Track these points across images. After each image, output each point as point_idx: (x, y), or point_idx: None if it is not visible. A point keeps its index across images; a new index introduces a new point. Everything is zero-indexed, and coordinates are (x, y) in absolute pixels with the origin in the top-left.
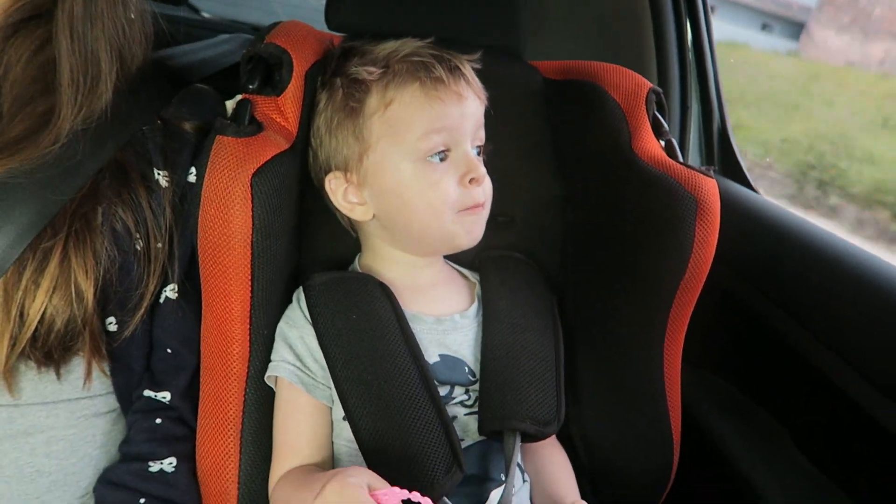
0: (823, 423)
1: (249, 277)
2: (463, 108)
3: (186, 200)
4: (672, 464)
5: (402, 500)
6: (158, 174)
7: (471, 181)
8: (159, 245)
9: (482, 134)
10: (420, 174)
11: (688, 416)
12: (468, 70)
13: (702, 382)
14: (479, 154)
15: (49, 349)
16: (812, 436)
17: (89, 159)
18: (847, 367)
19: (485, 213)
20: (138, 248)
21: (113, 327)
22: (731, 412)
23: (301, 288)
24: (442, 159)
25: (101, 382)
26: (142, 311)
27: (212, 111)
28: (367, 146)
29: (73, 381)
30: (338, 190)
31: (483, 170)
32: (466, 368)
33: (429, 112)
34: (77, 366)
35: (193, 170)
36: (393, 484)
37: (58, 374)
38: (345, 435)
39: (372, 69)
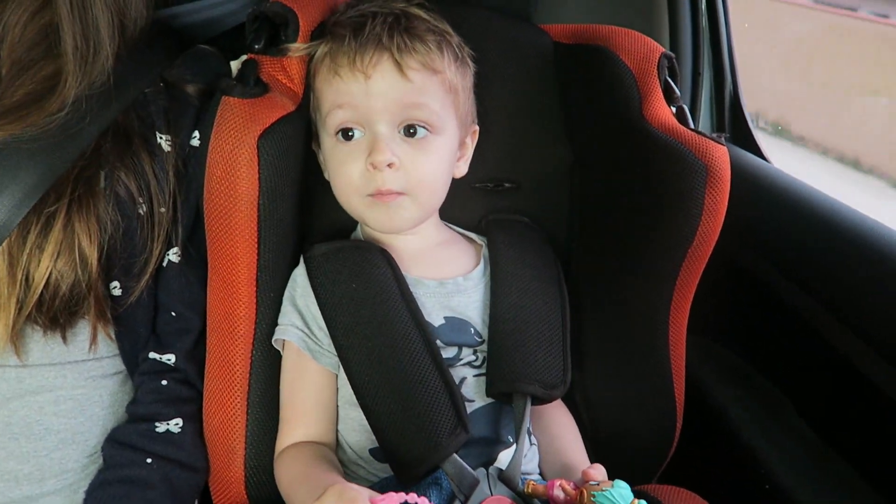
0: (827, 393)
1: (256, 240)
2: (369, 87)
3: (189, 164)
4: (675, 430)
5: None
6: (161, 138)
7: (374, 166)
8: (163, 210)
9: (419, 113)
10: (332, 152)
11: (691, 383)
12: (396, 44)
13: (707, 351)
14: (412, 135)
15: (55, 313)
16: (815, 405)
17: (92, 123)
18: (855, 338)
19: (401, 203)
20: (141, 212)
21: (118, 291)
22: (734, 381)
23: (303, 257)
24: (349, 138)
25: (107, 345)
26: (147, 276)
27: (216, 73)
28: (315, 114)
29: (80, 344)
30: (319, 156)
31: (387, 155)
32: (472, 330)
33: (331, 86)
34: (83, 329)
35: (197, 133)
36: (399, 449)
37: (64, 338)
38: (350, 400)
39: (319, 42)
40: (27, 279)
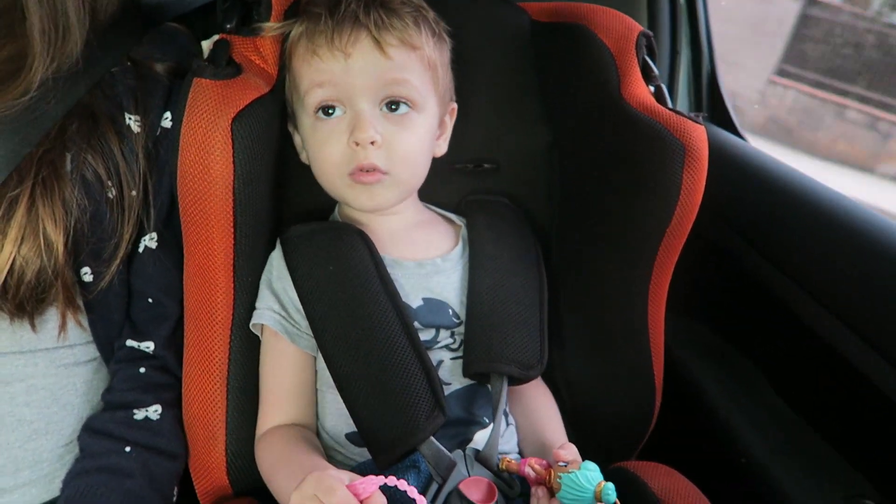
0: (803, 370)
1: (232, 225)
2: (349, 65)
3: (161, 146)
4: (654, 407)
5: (380, 487)
6: (130, 118)
7: (357, 143)
8: (133, 193)
9: (399, 90)
10: (313, 130)
11: (670, 361)
12: (373, 21)
13: (685, 329)
14: (393, 111)
15: (21, 301)
16: (791, 382)
17: (57, 104)
18: (830, 315)
19: (382, 182)
20: (111, 196)
21: (88, 277)
22: (712, 358)
23: (279, 239)
24: (329, 115)
25: (79, 333)
26: (117, 260)
27: (185, 51)
28: (292, 95)
29: (49, 332)
30: (296, 139)
31: (370, 132)
32: (450, 311)
33: (310, 66)
34: (52, 317)
35: (168, 114)
36: (376, 433)
37: (32, 326)
38: (328, 383)
39: (294, 21)
40: None
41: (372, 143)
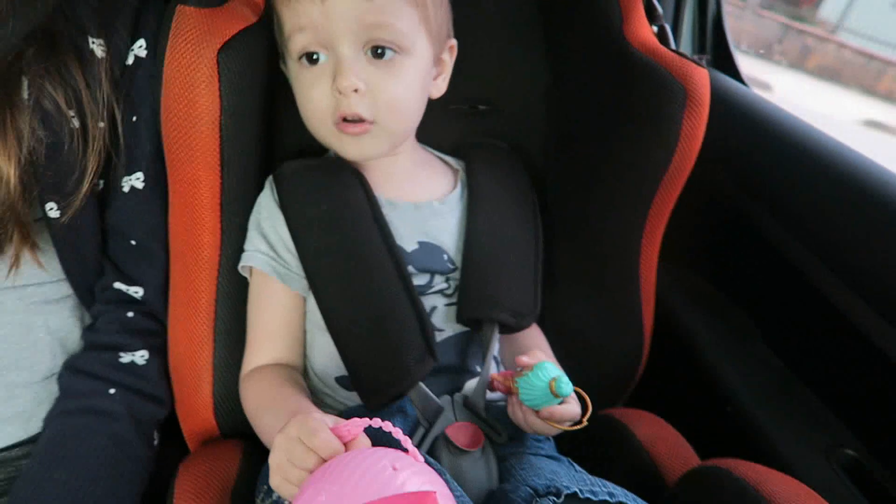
0: (795, 321)
1: (219, 162)
2: (326, 7)
3: (132, 77)
4: (642, 354)
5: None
6: (93, 43)
7: (339, 92)
8: (101, 125)
9: (383, 33)
10: (298, 77)
11: (661, 308)
12: None
13: (678, 277)
14: (379, 56)
15: None
16: (782, 332)
17: (14, 26)
18: (826, 268)
19: (371, 131)
20: (74, 126)
21: (55, 213)
22: (704, 308)
23: (270, 178)
24: (314, 62)
25: (40, 270)
26: (80, 194)
27: None
28: (279, 37)
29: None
30: (287, 75)
31: (351, 79)
32: (445, 256)
33: (288, 9)
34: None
35: (143, 42)
36: (365, 376)
37: None
38: (318, 324)
39: None
40: None
41: (355, 90)
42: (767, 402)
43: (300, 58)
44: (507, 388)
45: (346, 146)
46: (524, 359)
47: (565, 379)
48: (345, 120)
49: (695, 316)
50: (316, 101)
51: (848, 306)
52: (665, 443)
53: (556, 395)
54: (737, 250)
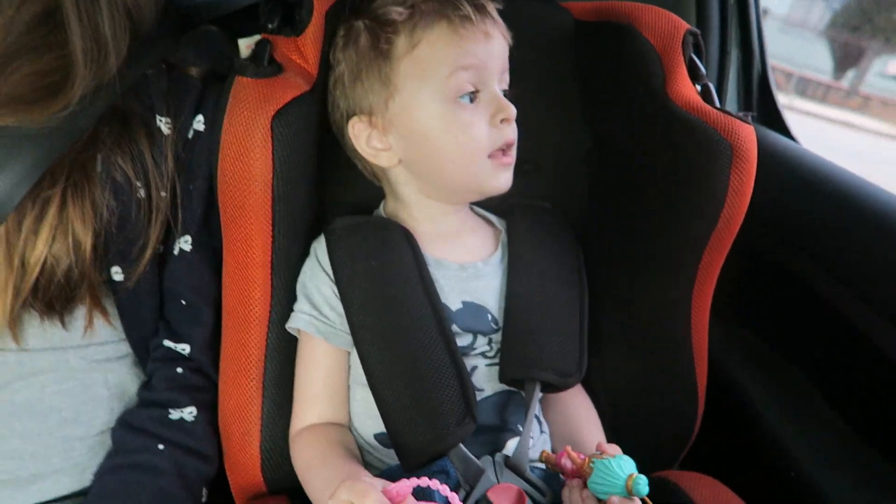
0: (858, 382)
1: (270, 221)
2: (490, 47)
3: (195, 149)
4: (696, 416)
5: (414, 488)
6: (161, 121)
7: (502, 121)
8: (163, 194)
9: (507, 77)
10: (451, 115)
11: (715, 368)
12: (492, 9)
13: (731, 337)
14: (505, 95)
15: (50, 299)
16: (845, 394)
17: (93, 110)
18: (889, 326)
19: (513, 161)
20: (140, 196)
21: (119, 277)
22: (760, 368)
23: (321, 236)
24: (472, 100)
25: (109, 330)
26: (144, 260)
27: (220, 54)
28: (394, 89)
29: (79, 330)
30: (361, 135)
31: (514, 110)
32: (489, 316)
33: (456, 50)
34: (81, 315)
35: (201, 117)
36: (405, 435)
37: (63, 323)
38: (360, 380)
39: (400, 9)
40: (23, 264)
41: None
42: (833, 467)
43: (460, 97)
44: (579, 470)
45: (501, 177)
46: (606, 446)
47: (644, 480)
48: (502, 151)
49: (750, 375)
50: (476, 136)
51: None
52: None
53: (630, 493)
54: (792, 308)
